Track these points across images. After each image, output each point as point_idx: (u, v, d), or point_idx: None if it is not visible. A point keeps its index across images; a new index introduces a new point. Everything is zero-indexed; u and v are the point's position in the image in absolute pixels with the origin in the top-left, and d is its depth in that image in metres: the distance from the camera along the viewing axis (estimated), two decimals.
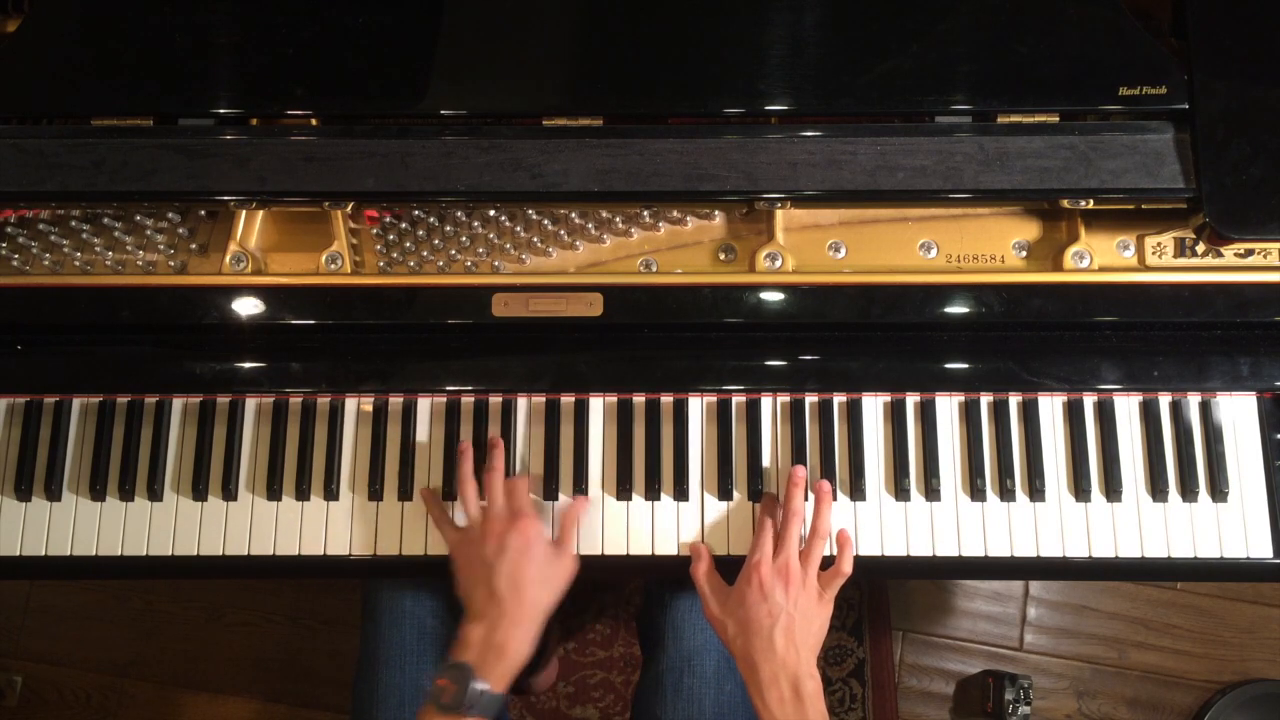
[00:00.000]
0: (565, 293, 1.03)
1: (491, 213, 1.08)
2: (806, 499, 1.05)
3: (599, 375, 1.08)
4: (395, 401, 1.10)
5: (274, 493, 1.08)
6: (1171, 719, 1.82)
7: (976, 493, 1.06)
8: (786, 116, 1.05)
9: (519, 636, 0.97)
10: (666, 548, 1.07)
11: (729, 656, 1.01)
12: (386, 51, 1.04)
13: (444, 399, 1.10)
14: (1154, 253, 1.06)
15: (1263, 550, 1.05)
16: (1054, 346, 1.06)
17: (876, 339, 1.07)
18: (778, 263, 1.06)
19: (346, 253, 1.07)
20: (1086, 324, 1.05)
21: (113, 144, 1.03)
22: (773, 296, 1.04)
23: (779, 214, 1.07)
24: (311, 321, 1.05)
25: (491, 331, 1.06)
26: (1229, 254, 1.05)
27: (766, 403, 1.09)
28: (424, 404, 1.10)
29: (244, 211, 1.07)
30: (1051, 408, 1.09)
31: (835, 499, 1.06)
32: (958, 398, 1.09)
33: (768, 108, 1.02)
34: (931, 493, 1.07)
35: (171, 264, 1.08)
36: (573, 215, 1.08)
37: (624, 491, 1.07)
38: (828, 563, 1.03)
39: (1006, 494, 1.06)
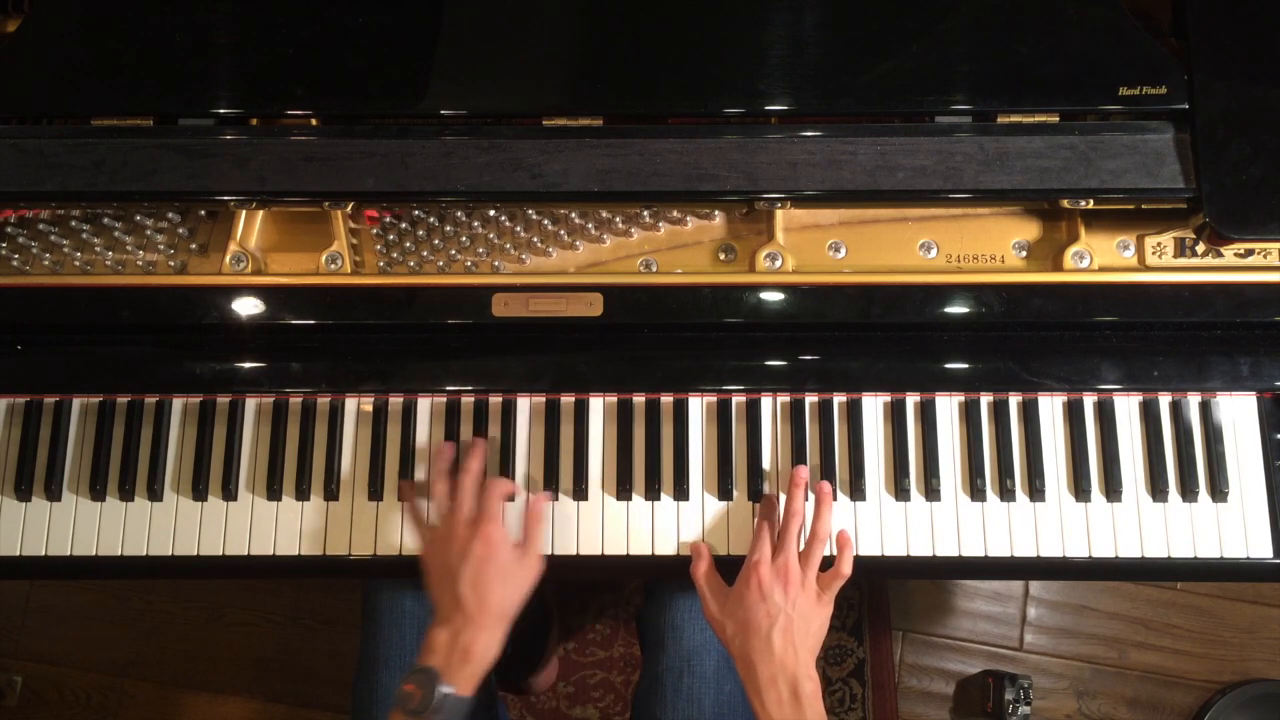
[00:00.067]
0: (565, 293, 1.03)
1: (491, 213, 1.08)
2: (807, 500, 1.05)
3: (599, 375, 1.08)
4: (395, 401, 1.10)
5: (274, 493, 1.08)
6: (1171, 719, 1.82)
7: (976, 493, 1.06)
8: (786, 116, 1.05)
9: (484, 640, 0.97)
10: (666, 548, 1.07)
11: (729, 656, 1.01)
12: (386, 51, 1.04)
13: (444, 399, 1.10)
14: (1154, 253, 1.06)
15: (1263, 550, 1.05)
16: (1054, 346, 1.06)
17: (876, 339, 1.07)
18: (778, 263, 1.06)
19: (346, 253, 1.07)
20: (1086, 324, 1.05)
21: (113, 144, 1.03)
22: (773, 296, 1.04)
23: (779, 214, 1.07)
24: (311, 321, 1.05)
25: (491, 331, 1.06)
26: (1229, 254, 1.05)
27: (766, 403, 1.09)
28: (424, 404, 1.10)
29: (244, 211, 1.07)
30: (1051, 408, 1.09)
31: (835, 499, 1.06)
32: (958, 398, 1.09)
33: (768, 108, 1.02)
34: (931, 493, 1.07)
35: (171, 264, 1.08)
36: (573, 215, 1.08)
37: (624, 491, 1.07)
38: (827, 564, 1.03)
39: (1006, 494, 1.06)
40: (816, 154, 1.01)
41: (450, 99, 1.03)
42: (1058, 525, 1.06)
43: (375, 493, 1.08)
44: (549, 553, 1.06)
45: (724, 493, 1.07)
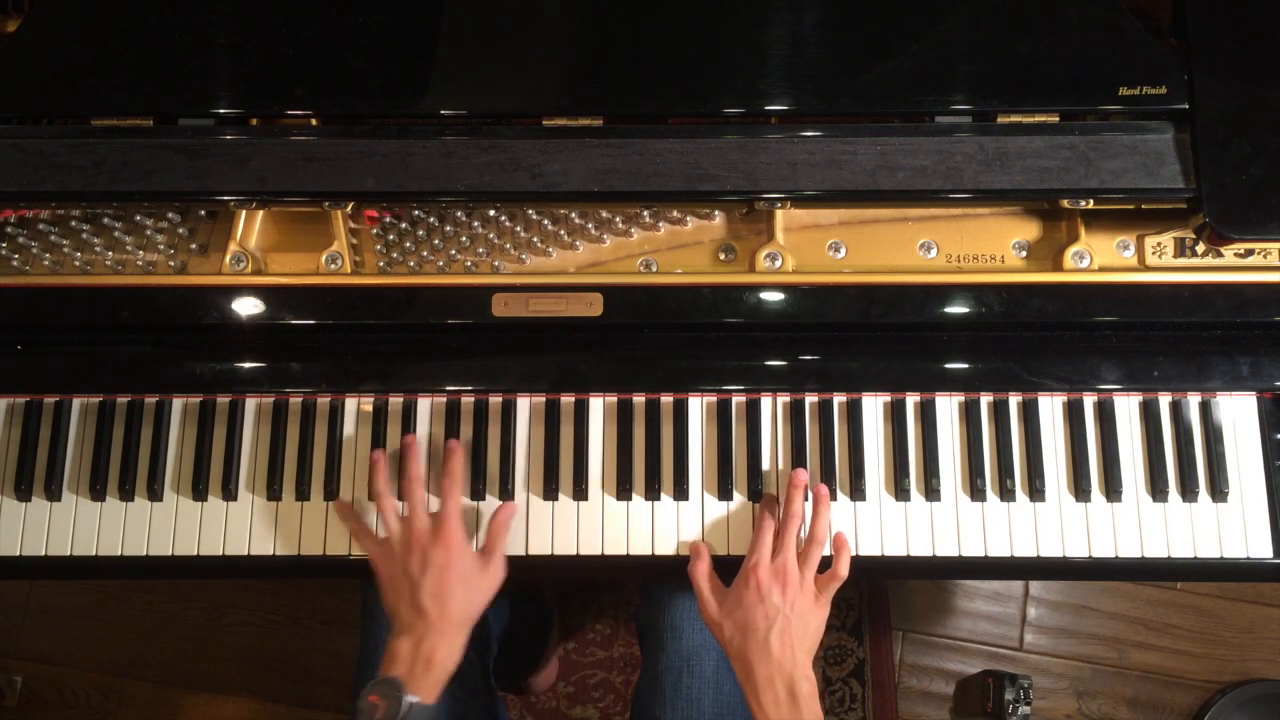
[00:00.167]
0: (565, 293, 1.03)
1: (491, 213, 1.08)
2: (805, 501, 1.05)
3: (599, 375, 1.08)
4: (395, 401, 1.10)
5: (274, 493, 1.08)
6: (1171, 719, 1.82)
7: (976, 493, 1.06)
8: (786, 116, 1.05)
9: (446, 647, 0.97)
10: (666, 548, 1.07)
11: (727, 657, 1.01)
12: (386, 51, 1.04)
13: (444, 399, 1.10)
14: (1154, 253, 1.06)
15: (1263, 550, 1.05)
16: (1054, 346, 1.06)
17: (876, 339, 1.07)
18: (778, 263, 1.06)
19: (346, 253, 1.07)
20: (1086, 324, 1.05)
21: (113, 144, 1.03)
22: (773, 296, 1.04)
23: (779, 214, 1.07)
24: (311, 321, 1.05)
25: (491, 331, 1.06)
26: (1229, 254, 1.05)
27: (766, 403, 1.09)
28: (424, 404, 1.10)
29: (244, 211, 1.07)
30: (1051, 408, 1.09)
31: (835, 499, 1.06)
32: (958, 398, 1.09)
33: (768, 108, 1.02)
34: (931, 493, 1.07)
35: (171, 264, 1.08)
36: (573, 215, 1.08)
37: (624, 492, 1.07)
38: (825, 565, 1.03)
39: (1006, 494, 1.06)
40: (816, 154, 1.01)
41: (450, 99, 1.03)
42: (1058, 525, 1.06)
43: None
44: (550, 553, 1.06)
45: (724, 493, 1.07)
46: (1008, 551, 1.06)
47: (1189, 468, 1.06)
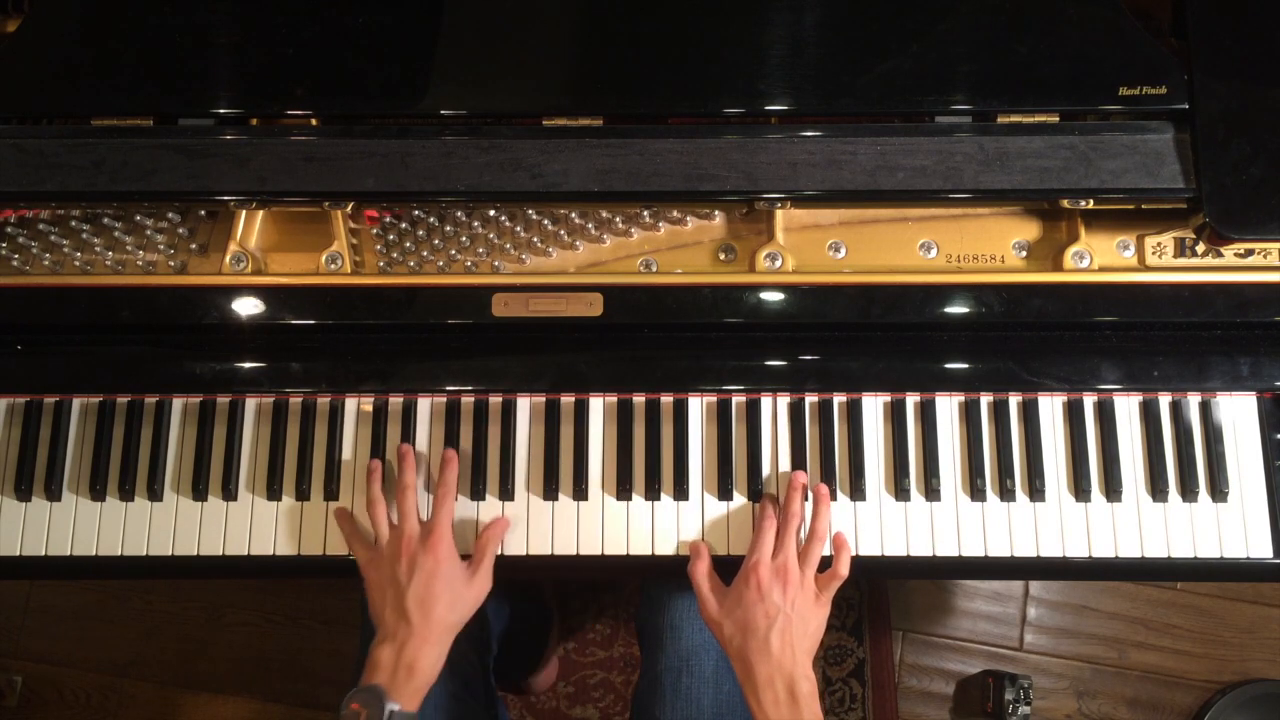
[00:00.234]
0: (565, 293, 1.03)
1: (491, 213, 1.08)
2: (805, 501, 1.05)
3: (599, 375, 1.08)
4: (395, 401, 1.10)
5: (274, 493, 1.08)
6: (1171, 719, 1.82)
7: (976, 493, 1.06)
8: (786, 116, 1.05)
9: (428, 655, 0.97)
10: (666, 548, 1.07)
11: (727, 656, 1.01)
12: (386, 51, 1.04)
13: (444, 399, 1.10)
14: (1154, 253, 1.06)
15: (1263, 550, 1.05)
16: (1054, 346, 1.06)
17: (876, 339, 1.07)
18: (778, 263, 1.06)
19: (346, 253, 1.07)
20: (1086, 324, 1.05)
21: (113, 144, 1.03)
22: (773, 296, 1.04)
23: (779, 214, 1.07)
24: (311, 321, 1.05)
25: (491, 331, 1.06)
26: (1229, 254, 1.05)
27: (766, 403, 1.09)
28: (424, 404, 1.10)
29: (244, 211, 1.07)
30: (1051, 408, 1.09)
31: (835, 499, 1.06)
32: (958, 398, 1.09)
33: (768, 108, 1.02)
34: (931, 493, 1.07)
35: (171, 264, 1.08)
36: (573, 215, 1.08)
37: (624, 492, 1.07)
38: (825, 565, 1.03)
39: (1006, 494, 1.06)
40: (816, 154, 1.01)
41: (450, 99, 1.03)
42: (1058, 525, 1.06)
43: None
44: (550, 553, 1.06)
45: (724, 493, 1.07)
46: (1008, 551, 1.06)
47: (1189, 468, 1.06)
